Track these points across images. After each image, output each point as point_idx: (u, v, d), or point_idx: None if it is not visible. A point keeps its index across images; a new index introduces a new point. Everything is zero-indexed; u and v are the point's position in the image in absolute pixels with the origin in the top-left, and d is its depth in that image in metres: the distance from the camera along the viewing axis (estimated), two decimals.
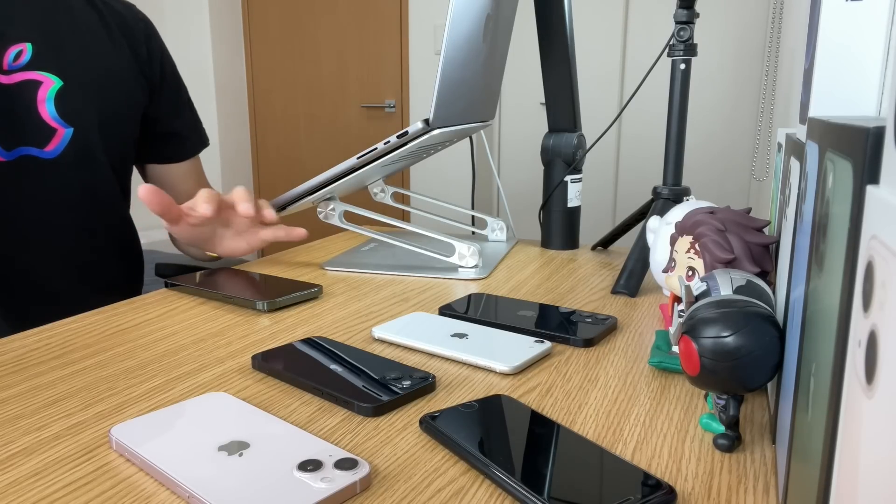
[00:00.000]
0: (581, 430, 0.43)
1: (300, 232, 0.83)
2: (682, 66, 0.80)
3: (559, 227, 0.97)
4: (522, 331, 0.60)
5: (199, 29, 3.52)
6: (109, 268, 0.93)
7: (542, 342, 0.56)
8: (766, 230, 0.50)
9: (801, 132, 0.40)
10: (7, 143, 0.79)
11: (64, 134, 0.83)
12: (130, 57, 0.91)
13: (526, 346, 0.56)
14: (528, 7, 0.99)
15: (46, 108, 0.81)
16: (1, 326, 0.81)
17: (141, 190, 0.71)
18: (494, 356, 0.53)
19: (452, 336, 0.58)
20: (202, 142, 1.04)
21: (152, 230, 1.02)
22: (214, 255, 0.85)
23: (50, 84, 0.81)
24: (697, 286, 0.43)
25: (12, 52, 0.79)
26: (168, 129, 0.98)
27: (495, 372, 0.52)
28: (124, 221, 0.96)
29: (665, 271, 0.54)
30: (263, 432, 0.41)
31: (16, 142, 0.80)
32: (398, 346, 0.58)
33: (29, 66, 0.80)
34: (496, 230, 1.03)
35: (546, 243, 0.99)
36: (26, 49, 0.80)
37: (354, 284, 0.78)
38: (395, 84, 3.43)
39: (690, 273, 0.51)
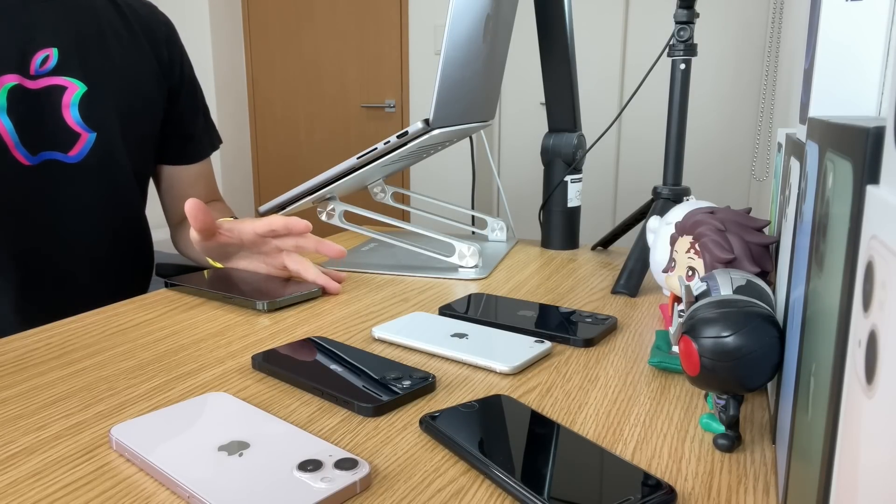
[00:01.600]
0: (581, 430, 0.43)
1: (336, 286, 0.75)
2: (682, 66, 0.80)
3: (559, 227, 0.97)
4: (522, 331, 0.60)
5: (199, 29, 3.52)
6: (124, 266, 0.94)
7: (543, 342, 0.56)
8: (766, 230, 0.50)
9: (801, 132, 0.40)
10: (32, 148, 0.81)
11: (87, 139, 0.84)
12: (152, 59, 0.93)
13: (526, 346, 0.56)
14: (528, 7, 0.99)
15: (71, 114, 0.83)
16: (13, 321, 0.82)
17: (188, 204, 0.70)
18: (494, 356, 0.53)
19: (452, 336, 0.58)
20: (214, 144, 1.05)
21: (155, 230, 1.03)
22: (219, 265, 0.84)
23: (75, 89, 0.83)
24: (697, 286, 0.43)
25: (39, 56, 0.81)
26: (184, 132, 1.00)
27: (495, 372, 0.52)
28: (140, 222, 0.97)
29: (665, 271, 0.54)
30: (263, 432, 0.41)
31: (40, 146, 0.81)
32: (398, 345, 0.58)
33: (55, 72, 0.82)
34: (496, 230, 1.03)
35: (546, 243, 0.99)
36: (53, 54, 0.81)
37: (354, 284, 0.78)
38: (395, 84, 3.43)
39: (690, 273, 0.51)
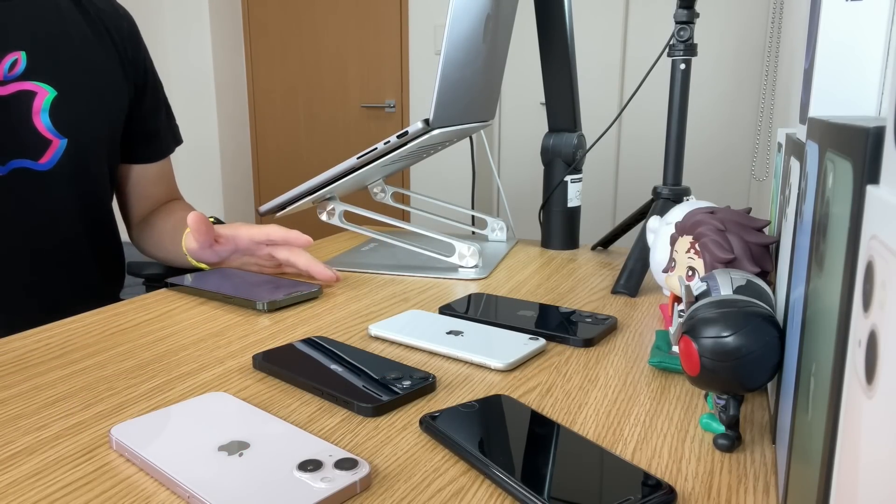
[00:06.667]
0: (581, 430, 0.43)
1: (330, 275, 0.77)
2: (682, 66, 0.80)
3: (559, 227, 0.97)
4: (522, 331, 0.60)
5: (199, 29, 3.52)
6: (94, 272, 0.92)
7: (536, 339, 0.57)
8: (766, 230, 0.50)
9: (801, 132, 0.40)
10: (1, 157, 0.78)
11: (58, 145, 0.82)
12: (116, 57, 0.90)
13: (520, 343, 0.56)
14: (528, 7, 0.99)
15: (41, 120, 0.80)
16: None
17: (192, 218, 0.74)
18: (488, 353, 0.54)
19: (448, 333, 0.58)
20: (176, 139, 1.02)
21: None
22: (204, 265, 0.84)
23: (45, 94, 0.80)
24: (697, 286, 0.43)
25: (8, 61, 0.78)
26: (148, 129, 0.97)
27: (490, 368, 0.53)
28: (111, 223, 0.95)
29: (665, 271, 0.54)
30: (263, 432, 0.41)
31: (9, 154, 0.78)
32: (394, 343, 0.58)
33: (24, 76, 0.79)
34: (496, 230, 1.03)
35: (546, 243, 0.99)
36: (21, 58, 0.79)
37: (354, 284, 0.78)
38: (395, 84, 3.43)
39: (690, 273, 0.51)
